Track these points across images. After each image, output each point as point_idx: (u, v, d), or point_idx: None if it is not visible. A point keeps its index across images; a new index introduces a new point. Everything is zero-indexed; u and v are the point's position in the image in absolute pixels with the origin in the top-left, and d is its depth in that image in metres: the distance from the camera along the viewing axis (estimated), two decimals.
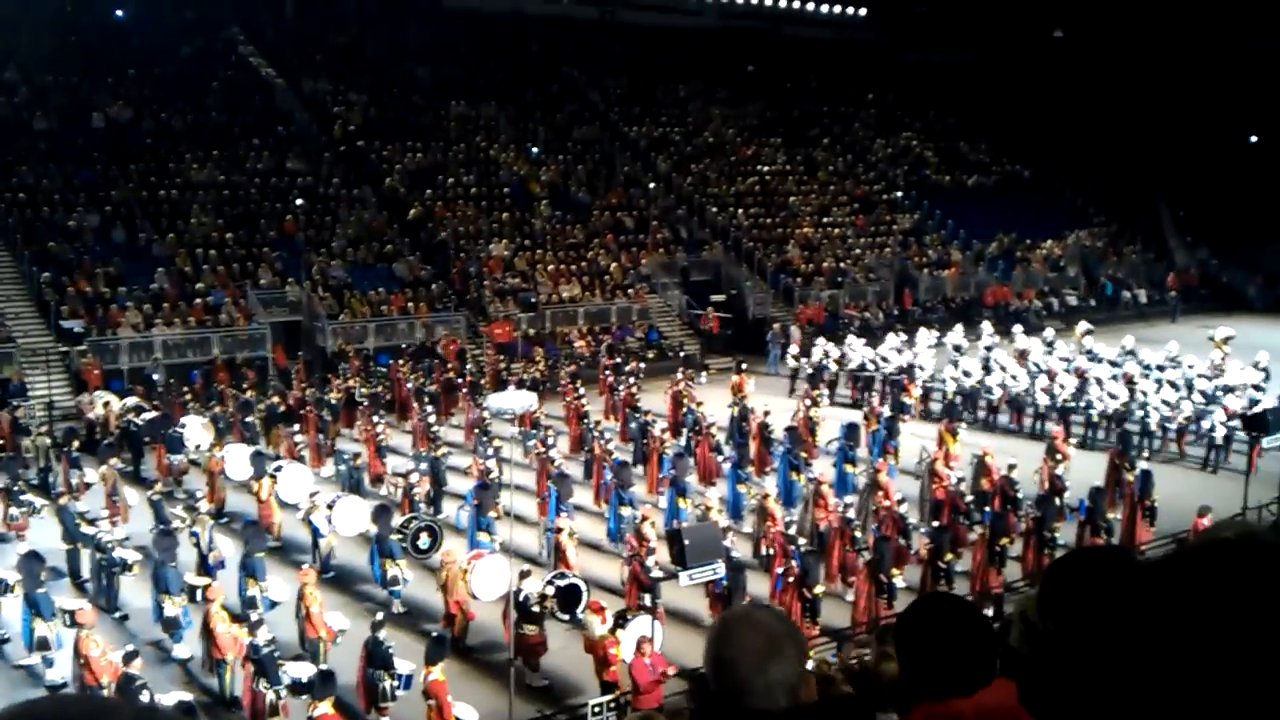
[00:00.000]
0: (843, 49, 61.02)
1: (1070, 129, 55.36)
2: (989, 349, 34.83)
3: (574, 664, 15.91)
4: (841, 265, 45.47)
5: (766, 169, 51.12)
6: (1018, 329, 38.60)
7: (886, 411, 26.83)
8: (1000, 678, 2.57)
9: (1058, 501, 20.01)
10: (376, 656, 14.39)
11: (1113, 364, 32.31)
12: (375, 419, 26.01)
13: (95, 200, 36.52)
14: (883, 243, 48.33)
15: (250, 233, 37.48)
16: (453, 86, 48.73)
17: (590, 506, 22.48)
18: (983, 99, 58.60)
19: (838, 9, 62.17)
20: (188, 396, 29.06)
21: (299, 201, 38.87)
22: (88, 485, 21.92)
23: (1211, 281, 52.28)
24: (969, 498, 20.62)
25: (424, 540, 19.60)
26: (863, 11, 63.18)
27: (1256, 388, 29.22)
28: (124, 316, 32.25)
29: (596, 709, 13.73)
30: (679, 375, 30.59)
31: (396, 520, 19.67)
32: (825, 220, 48.97)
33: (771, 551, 18.04)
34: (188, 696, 13.85)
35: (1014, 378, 30.68)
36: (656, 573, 16.60)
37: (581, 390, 28.94)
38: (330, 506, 19.95)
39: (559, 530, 18.61)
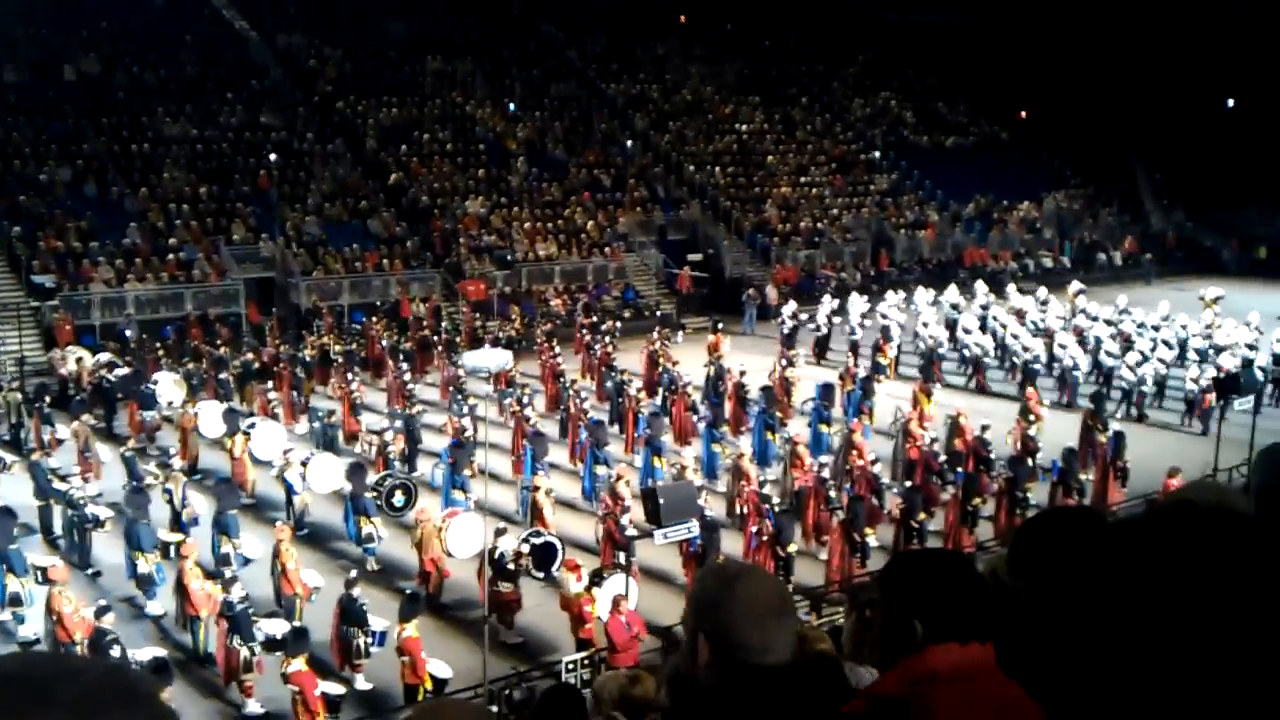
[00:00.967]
0: (822, 8, 60.46)
1: (1048, 91, 55.20)
2: (985, 308, 35.10)
3: (549, 621, 16.01)
4: (819, 225, 45.44)
5: (744, 128, 50.83)
6: (1011, 288, 38.79)
7: (862, 372, 26.92)
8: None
9: (1030, 462, 20.15)
10: (351, 613, 14.42)
11: (1108, 323, 32.57)
12: (350, 376, 25.91)
13: (67, 154, 36.10)
14: (860, 203, 48.27)
15: (224, 188, 37.11)
16: (429, 42, 48.16)
17: (565, 465, 22.46)
18: (962, 60, 58.36)
19: None
20: (160, 353, 28.96)
21: (273, 156, 38.45)
22: (60, 441, 21.72)
23: (1187, 244, 52.54)
24: (942, 458, 20.76)
25: (399, 498, 19.62)
26: None
27: (1250, 346, 29.59)
28: (96, 272, 31.97)
29: (570, 665, 13.83)
30: (655, 334, 30.53)
31: (371, 478, 19.71)
32: (803, 180, 48.84)
33: (746, 511, 18.13)
34: (161, 653, 13.84)
35: (1015, 337, 30.81)
36: (631, 531, 16.66)
37: (557, 349, 28.92)
38: (304, 464, 19.84)
39: (536, 488, 18.64)
